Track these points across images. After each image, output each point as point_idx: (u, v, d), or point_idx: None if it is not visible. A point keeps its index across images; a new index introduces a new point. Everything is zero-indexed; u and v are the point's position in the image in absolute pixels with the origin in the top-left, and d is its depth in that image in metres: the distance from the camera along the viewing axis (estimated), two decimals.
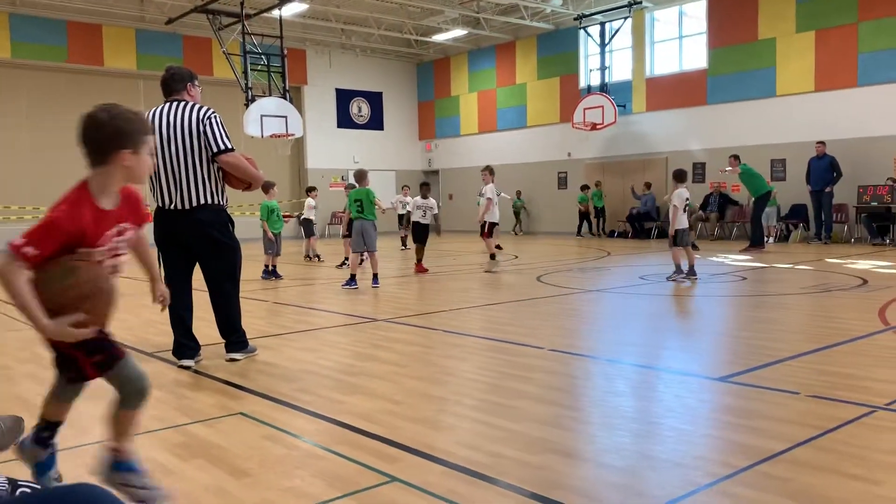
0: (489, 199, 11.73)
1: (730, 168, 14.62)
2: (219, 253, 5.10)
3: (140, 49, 20.64)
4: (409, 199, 16.55)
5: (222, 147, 4.92)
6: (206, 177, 4.97)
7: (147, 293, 3.02)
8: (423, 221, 11.89)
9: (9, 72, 19.30)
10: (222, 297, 5.18)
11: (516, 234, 22.79)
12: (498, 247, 13.40)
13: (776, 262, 11.98)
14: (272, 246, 11.05)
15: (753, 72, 17.82)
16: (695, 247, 11.60)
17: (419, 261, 11.51)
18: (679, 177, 9.41)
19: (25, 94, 19.60)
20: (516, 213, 22.98)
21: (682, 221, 9.31)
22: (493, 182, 11.77)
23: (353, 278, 9.60)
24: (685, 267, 9.44)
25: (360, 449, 3.30)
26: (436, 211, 12.47)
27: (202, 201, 4.96)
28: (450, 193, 26.52)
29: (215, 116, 4.97)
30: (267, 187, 11.07)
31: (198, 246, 5.07)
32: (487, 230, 11.85)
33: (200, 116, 4.91)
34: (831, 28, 16.46)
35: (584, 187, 21.24)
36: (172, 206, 4.96)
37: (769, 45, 17.52)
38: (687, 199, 9.32)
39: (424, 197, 12.06)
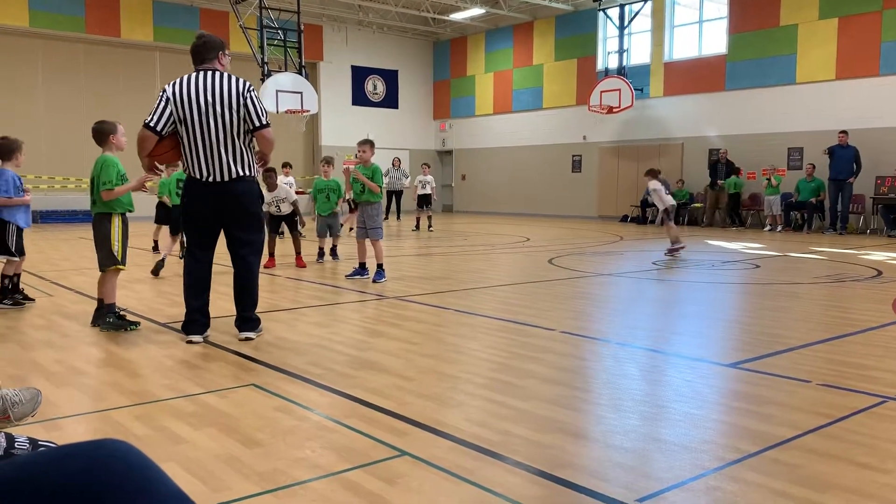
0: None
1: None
2: (250, 226, 5.10)
3: (157, 21, 20.61)
4: (429, 177, 16.51)
5: (264, 122, 4.98)
6: (244, 149, 4.98)
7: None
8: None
9: (26, 41, 19.33)
10: (246, 269, 5.18)
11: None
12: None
13: (790, 251, 11.91)
14: (331, 227, 10.07)
15: (774, 58, 17.60)
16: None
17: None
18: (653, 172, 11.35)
19: (42, 64, 19.64)
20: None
21: (667, 200, 11.06)
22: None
23: (363, 266, 8.56)
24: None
25: (371, 423, 3.33)
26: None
27: (240, 173, 4.96)
28: (463, 174, 26.45)
29: (254, 90, 5.00)
30: (329, 161, 10.35)
31: (231, 218, 5.04)
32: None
33: (241, 90, 4.90)
34: (854, 15, 16.21)
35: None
36: (210, 178, 4.92)
37: (791, 31, 17.29)
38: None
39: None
